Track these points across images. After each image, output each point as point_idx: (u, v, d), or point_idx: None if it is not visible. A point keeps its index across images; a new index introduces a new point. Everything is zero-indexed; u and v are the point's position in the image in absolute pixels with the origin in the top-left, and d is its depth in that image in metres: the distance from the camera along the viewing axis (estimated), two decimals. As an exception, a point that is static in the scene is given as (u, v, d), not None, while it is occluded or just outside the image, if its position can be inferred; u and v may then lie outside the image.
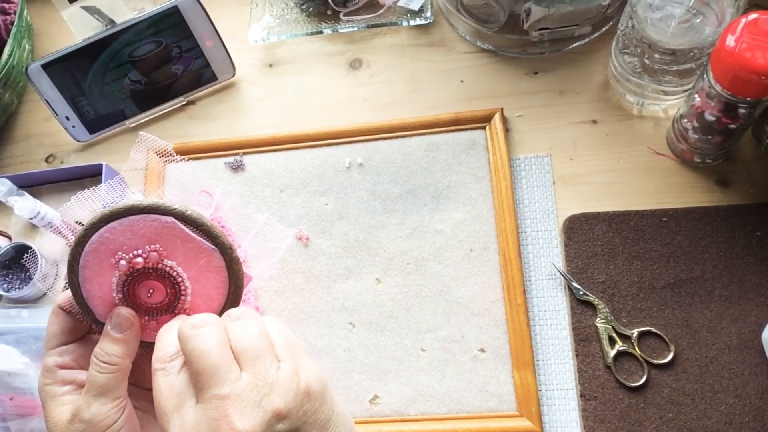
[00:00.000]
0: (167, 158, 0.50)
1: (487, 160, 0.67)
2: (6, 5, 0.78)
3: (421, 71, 0.74)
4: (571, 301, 0.61)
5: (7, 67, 0.75)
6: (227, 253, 0.39)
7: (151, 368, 0.36)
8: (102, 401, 0.38)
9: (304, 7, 0.77)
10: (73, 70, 0.73)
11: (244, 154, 0.72)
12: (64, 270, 0.39)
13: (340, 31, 0.75)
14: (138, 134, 0.48)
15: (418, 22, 0.74)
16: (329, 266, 0.66)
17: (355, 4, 0.76)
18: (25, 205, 0.66)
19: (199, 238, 0.38)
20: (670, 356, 0.57)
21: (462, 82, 0.72)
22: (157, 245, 0.38)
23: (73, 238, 0.38)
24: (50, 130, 0.79)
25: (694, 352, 0.57)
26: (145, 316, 0.40)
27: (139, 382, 0.42)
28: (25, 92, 0.82)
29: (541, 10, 0.65)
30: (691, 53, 0.57)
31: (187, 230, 0.38)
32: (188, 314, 0.40)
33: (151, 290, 0.39)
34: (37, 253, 0.67)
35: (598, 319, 0.59)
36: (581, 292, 0.60)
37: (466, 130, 0.68)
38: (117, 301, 0.39)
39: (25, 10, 0.81)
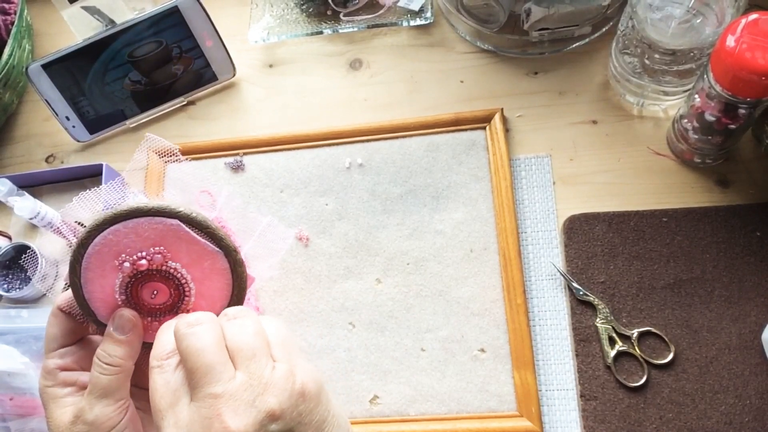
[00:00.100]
0: (168, 158, 0.50)
1: (487, 161, 0.67)
2: (6, 5, 0.78)
3: (421, 71, 0.74)
4: (571, 301, 0.61)
5: (7, 67, 0.75)
6: (232, 255, 0.39)
7: (149, 366, 0.36)
8: (105, 403, 0.38)
9: (304, 7, 0.77)
10: (73, 70, 0.73)
11: (244, 154, 0.72)
12: (64, 270, 0.39)
13: (340, 31, 0.75)
14: (145, 135, 0.48)
15: (418, 22, 0.74)
16: (329, 266, 0.66)
17: (356, 5, 0.76)
18: (25, 205, 0.66)
19: (203, 240, 0.38)
20: (670, 356, 0.57)
21: (462, 82, 0.72)
22: (162, 247, 0.38)
23: (76, 240, 0.38)
24: (50, 130, 0.79)
25: (694, 352, 0.57)
26: (148, 317, 0.40)
27: (140, 383, 0.42)
28: (25, 92, 0.82)
29: (541, 10, 0.65)
30: (691, 53, 0.57)
31: (192, 233, 0.38)
32: None
33: (155, 291, 0.39)
34: (37, 253, 0.67)
35: (598, 319, 0.59)
36: (581, 292, 0.60)
37: (466, 130, 0.68)
38: (119, 303, 0.39)
39: (25, 10, 0.81)
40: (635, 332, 0.58)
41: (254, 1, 0.78)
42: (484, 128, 0.68)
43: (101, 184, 0.70)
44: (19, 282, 0.70)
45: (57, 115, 0.75)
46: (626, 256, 0.61)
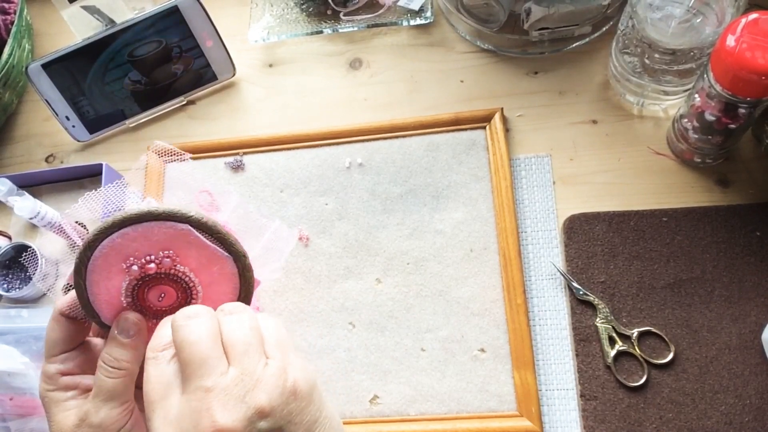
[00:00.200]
0: (169, 157, 0.50)
1: (487, 160, 0.67)
2: (6, 5, 0.78)
3: (421, 71, 0.74)
4: (571, 301, 0.61)
5: (7, 66, 0.75)
6: (241, 260, 0.39)
7: (146, 357, 0.36)
8: (111, 405, 0.38)
9: (304, 6, 0.77)
10: (73, 70, 0.73)
11: (244, 154, 0.72)
12: (64, 270, 0.39)
13: (340, 30, 0.75)
14: (153, 143, 0.48)
15: (418, 21, 0.74)
16: (329, 266, 0.66)
17: (355, 4, 0.76)
18: (25, 205, 0.66)
19: (213, 245, 0.38)
20: (670, 356, 0.57)
21: (462, 82, 0.72)
22: (171, 251, 0.38)
23: (83, 241, 0.37)
24: (50, 130, 0.79)
25: (694, 352, 0.57)
26: (154, 320, 0.40)
27: (142, 384, 0.42)
28: (25, 92, 0.82)
29: (542, 9, 0.65)
30: (692, 53, 0.57)
31: (202, 237, 0.38)
32: None
33: (162, 294, 0.39)
34: (37, 253, 0.67)
35: (598, 319, 0.59)
36: (581, 292, 0.60)
37: (466, 130, 0.68)
38: (125, 305, 0.39)
39: (25, 10, 0.81)
40: (635, 332, 0.58)
41: (254, 1, 0.78)
42: (484, 128, 0.68)
43: (101, 184, 0.70)
44: (19, 282, 0.70)
45: (57, 114, 0.75)
46: (626, 255, 0.61)
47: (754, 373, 0.56)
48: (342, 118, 0.73)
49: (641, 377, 0.57)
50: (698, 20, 0.58)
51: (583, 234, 0.62)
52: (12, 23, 0.76)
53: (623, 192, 0.64)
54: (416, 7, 0.74)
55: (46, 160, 0.78)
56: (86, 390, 0.39)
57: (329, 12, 0.77)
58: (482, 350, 0.61)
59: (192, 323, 0.35)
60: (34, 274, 0.68)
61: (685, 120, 0.60)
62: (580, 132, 0.68)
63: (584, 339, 0.59)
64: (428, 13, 0.73)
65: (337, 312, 0.64)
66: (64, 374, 0.40)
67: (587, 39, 0.70)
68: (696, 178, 0.64)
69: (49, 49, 0.81)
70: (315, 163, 0.70)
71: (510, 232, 0.63)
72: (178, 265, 0.38)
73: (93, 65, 0.73)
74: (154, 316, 0.40)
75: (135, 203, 0.44)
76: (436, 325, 0.62)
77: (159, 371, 0.35)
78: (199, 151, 0.73)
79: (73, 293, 0.39)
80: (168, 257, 0.38)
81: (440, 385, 0.60)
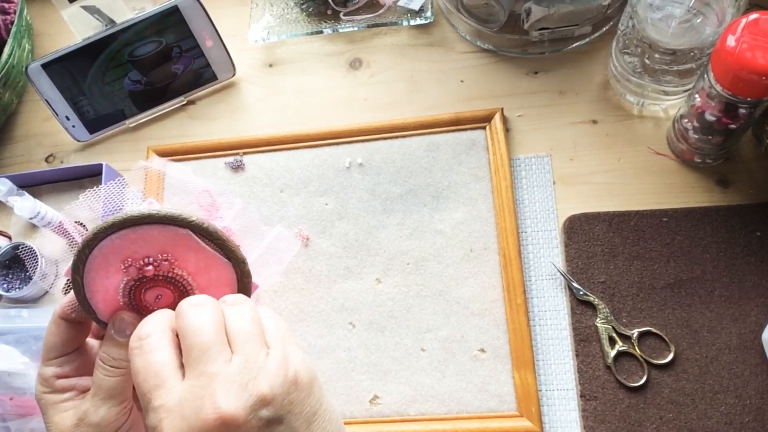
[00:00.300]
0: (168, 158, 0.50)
1: (487, 160, 0.67)
2: (6, 5, 0.78)
3: (421, 71, 0.74)
4: (571, 301, 0.61)
5: (7, 66, 0.75)
6: (240, 267, 0.39)
7: (128, 349, 0.36)
8: (110, 404, 0.38)
9: (304, 6, 0.77)
10: (73, 70, 0.73)
11: (244, 154, 0.72)
12: (64, 270, 0.39)
13: (340, 30, 0.75)
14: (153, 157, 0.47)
15: (418, 21, 0.74)
16: (329, 266, 0.66)
17: (355, 4, 0.76)
18: (25, 205, 0.66)
19: (213, 251, 0.38)
20: (670, 356, 0.57)
21: (462, 82, 0.72)
22: (169, 254, 0.38)
23: (81, 239, 0.37)
24: (50, 130, 0.79)
25: (694, 352, 0.57)
26: None
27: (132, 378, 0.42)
28: (25, 92, 0.82)
29: (542, 9, 0.65)
30: (692, 53, 0.57)
31: (201, 243, 0.38)
32: None
33: (159, 296, 0.39)
34: (37, 252, 0.67)
35: (598, 319, 0.59)
36: (581, 292, 0.60)
37: (466, 130, 0.68)
38: (122, 304, 0.39)
39: (25, 10, 0.81)
40: (635, 332, 0.58)
41: (254, 1, 0.78)
42: (484, 128, 0.68)
43: (101, 184, 0.70)
44: (19, 282, 0.70)
45: (57, 114, 0.75)
46: (626, 256, 0.61)
47: (754, 373, 0.56)
48: (342, 118, 0.72)
49: (641, 377, 0.57)
50: (698, 20, 0.57)
51: (583, 234, 0.62)
52: (12, 23, 0.76)
53: (623, 192, 0.64)
54: (416, 7, 0.74)
55: (46, 160, 0.78)
56: (83, 391, 0.39)
57: (329, 12, 0.77)
58: (482, 350, 0.61)
59: (197, 310, 0.35)
60: (32, 271, 0.68)
61: (686, 120, 0.60)
62: (580, 132, 0.68)
63: (584, 339, 0.59)
64: (428, 13, 0.73)
65: (337, 312, 0.64)
66: (60, 377, 0.40)
67: (587, 39, 0.70)
68: (696, 178, 0.64)
69: (49, 49, 0.81)
70: (315, 163, 0.70)
71: (510, 232, 0.63)
72: (177, 269, 0.38)
73: (93, 65, 0.73)
74: None
75: (136, 203, 0.44)
76: (436, 325, 0.62)
77: (145, 361, 0.34)
78: (199, 151, 0.73)
79: (71, 295, 0.39)
80: (166, 260, 0.38)
81: (440, 385, 0.60)
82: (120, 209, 0.45)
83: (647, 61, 0.60)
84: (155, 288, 0.39)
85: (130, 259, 0.38)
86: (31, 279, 0.68)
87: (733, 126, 0.56)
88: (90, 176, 0.74)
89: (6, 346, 0.62)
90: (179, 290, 0.39)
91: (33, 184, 0.75)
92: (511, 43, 0.72)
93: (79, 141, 0.77)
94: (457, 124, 0.68)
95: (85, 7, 0.73)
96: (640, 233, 0.62)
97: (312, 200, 0.68)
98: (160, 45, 0.74)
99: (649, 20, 0.57)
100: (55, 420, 0.38)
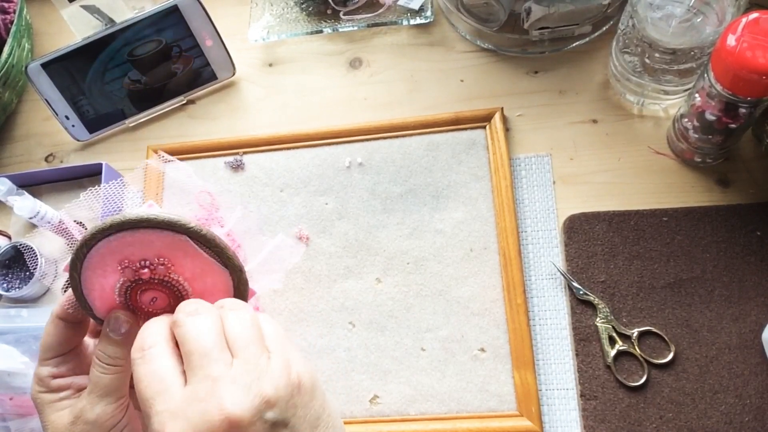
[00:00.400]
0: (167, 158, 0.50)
1: (487, 160, 0.67)
2: (6, 4, 0.78)
3: (421, 71, 0.74)
4: (571, 301, 0.61)
5: (6, 66, 0.75)
6: (236, 274, 0.39)
7: (131, 359, 0.36)
8: (107, 401, 0.38)
9: (304, 6, 0.77)
10: (73, 70, 0.73)
11: (244, 153, 0.72)
12: (63, 269, 0.39)
13: (340, 30, 0.75)
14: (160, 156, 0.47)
15: (418, 21, 0.74)
16: (329, 266, 0.66)
17: (355, 3, 0.76)
18: (25, 204, 0.66)
19: (210, 258, 0.38)
20: (670, 356, 0.57)
21: (462, 81, 0.72)
22: (166, 259, 0.38)
23: (81, 237, 0.37)
24: (50, 129, 0.79)
25: (694, 352, 0.57)
26: (145, 320, 0.40)
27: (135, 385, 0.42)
28: (25, 92, 0.82)
29: (542, 9, 0.65)
30: (692, 53, 0.57)
31: (199, 249, 0.38)
32: None
33: (155, 298, 0.39)
34: (37, 252, 0.67)
35: (598, 319, 0.59)
36: (581, 292, 0.60)
37: (466, 129, 0.68)
38: (117, 303, 0.39)
39: (25, 9, 0.81)
40: (635, 332, 0.58)
41: (254, 0, 0.78)
42: (484, 127, 0.68)
43: (101, 184, 0.70)
44: (18, 281, 0.70)
45: (56, 114, 0.75)
46: (626, 255, 0.61)
47: (754, 373, 0.56)
48: (342, 118, 0.72)
49: (641, 377, 0.57)
50: (699, 20, 0.57)
51: (583, 234, 0.62)
52: (12, 23, 0.76)
53: (623, 192, 0.64)
54: (416, 7, 0.74)
55: (46, 159, 0.78)
56: (79, 390, 0.40)
57: (329, 11, 0.76)
58: (482, 350, 0.61)
59: (195, 318, 0.35)
60: (33, 268, 0.68)
61: (686, 119, 0.60)
62: (580, 131, 0.68)
63: (584, 339, 0.59)
64: (428, 13, 0.73)
65: (337, 312, 0.64)
66: (56, 377, 0.40)
67: (587, 38, 0.70)
68: (696, 177, 0.64)
69: (49, 48, 0.81)
70: (315, 163, 0.70)
71: (510, 231, 0.63)
72: (173, 273, 0.38)
73: (93, 65, 0.73)
74: (145, 317, 0.40)
75: (135, 205, 0.44)
76: (436, 324, 0.62)
77: (148, 369, 0.34)
78: (199, 151, 0.73)
79: (70, 292, 0.39)
80: (163, 264, 0.38)
81: (440, 385, 0.60)
82: (120, 209, 0.45)
83: (647, 61, 0.60)
84: (151, 290, 0.39)
85: (126, 261, 0.38)
86: (30, 279, 0.68)
87: (733, 125, 0.56)
88: (90, 176, 0.74)
89: (6, 345, 0.62)
90: (174, 294, 0.39)
91: (33, 184, 0.75)
92: (511, 42, 0.72)
93: (78, 140, 0.77)
94: (457, 123, 0.68)
95: (84, 7, 0.73)
96: (640, 233, 0.62)
97: (312, 200, 0.68)
98: (159, 44, 0.73)
99: (650, 19, 0.57)
100: (51, 419, 0.39)
